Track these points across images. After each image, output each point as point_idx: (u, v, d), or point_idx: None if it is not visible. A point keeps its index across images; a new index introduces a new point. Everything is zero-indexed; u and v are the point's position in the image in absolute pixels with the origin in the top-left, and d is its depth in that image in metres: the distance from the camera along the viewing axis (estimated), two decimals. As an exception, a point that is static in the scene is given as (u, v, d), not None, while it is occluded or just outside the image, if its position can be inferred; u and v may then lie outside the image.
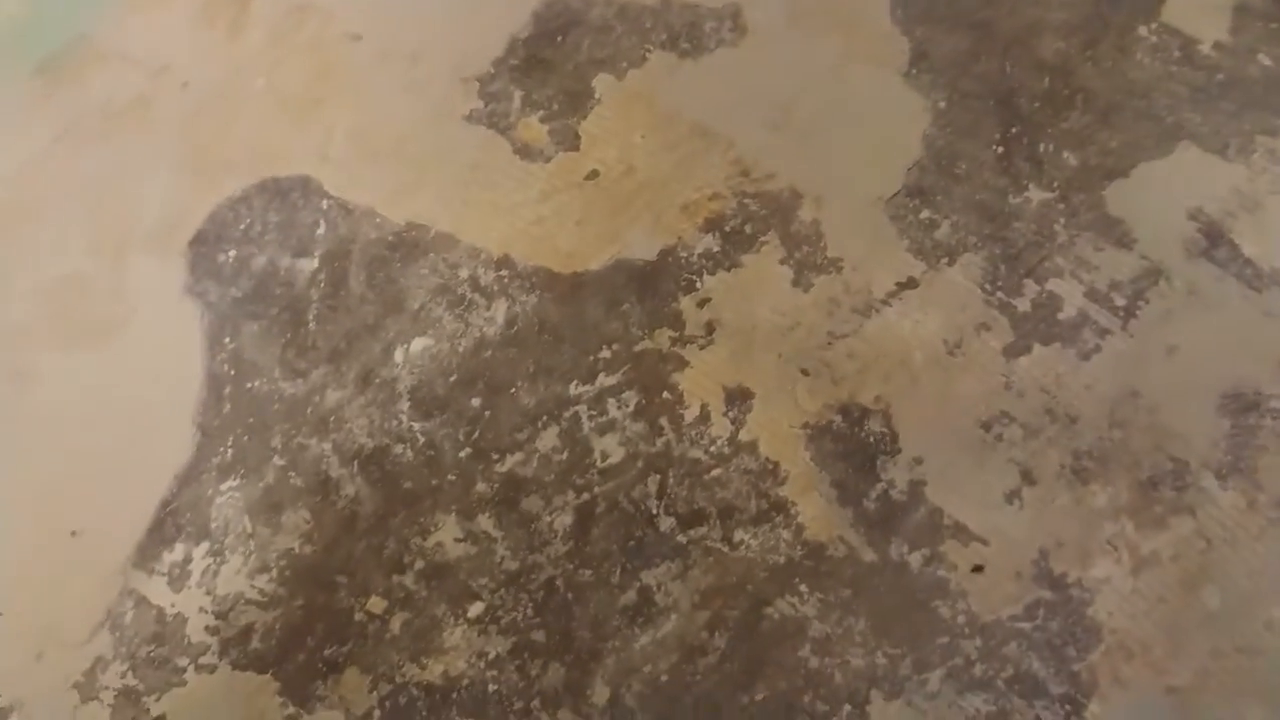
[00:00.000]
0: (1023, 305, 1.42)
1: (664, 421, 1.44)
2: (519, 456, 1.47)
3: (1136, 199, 1.45)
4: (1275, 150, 1.44)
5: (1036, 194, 1.48)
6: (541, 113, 1.69)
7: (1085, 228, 1.45)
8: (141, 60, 1.93)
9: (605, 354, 1.50)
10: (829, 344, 1.45)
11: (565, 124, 1.67)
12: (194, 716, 1.43)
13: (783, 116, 1.60)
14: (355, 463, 1.51)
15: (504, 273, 1.59)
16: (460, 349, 1.55)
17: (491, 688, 1.36)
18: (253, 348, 1.63)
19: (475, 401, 1.51)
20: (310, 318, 1.63)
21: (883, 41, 1.62)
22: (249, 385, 1.60)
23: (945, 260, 1.46)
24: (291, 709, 1.40)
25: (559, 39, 1.74)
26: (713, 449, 1.42)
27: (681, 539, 1.38)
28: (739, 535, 1.37)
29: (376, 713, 1.38)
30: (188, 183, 1.79)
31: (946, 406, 1.38)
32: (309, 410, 1.56)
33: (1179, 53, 1.53)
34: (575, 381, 1.49)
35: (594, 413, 1.47)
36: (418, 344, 1.57)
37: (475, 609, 1.40)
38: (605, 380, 1.48)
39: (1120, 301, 1.40)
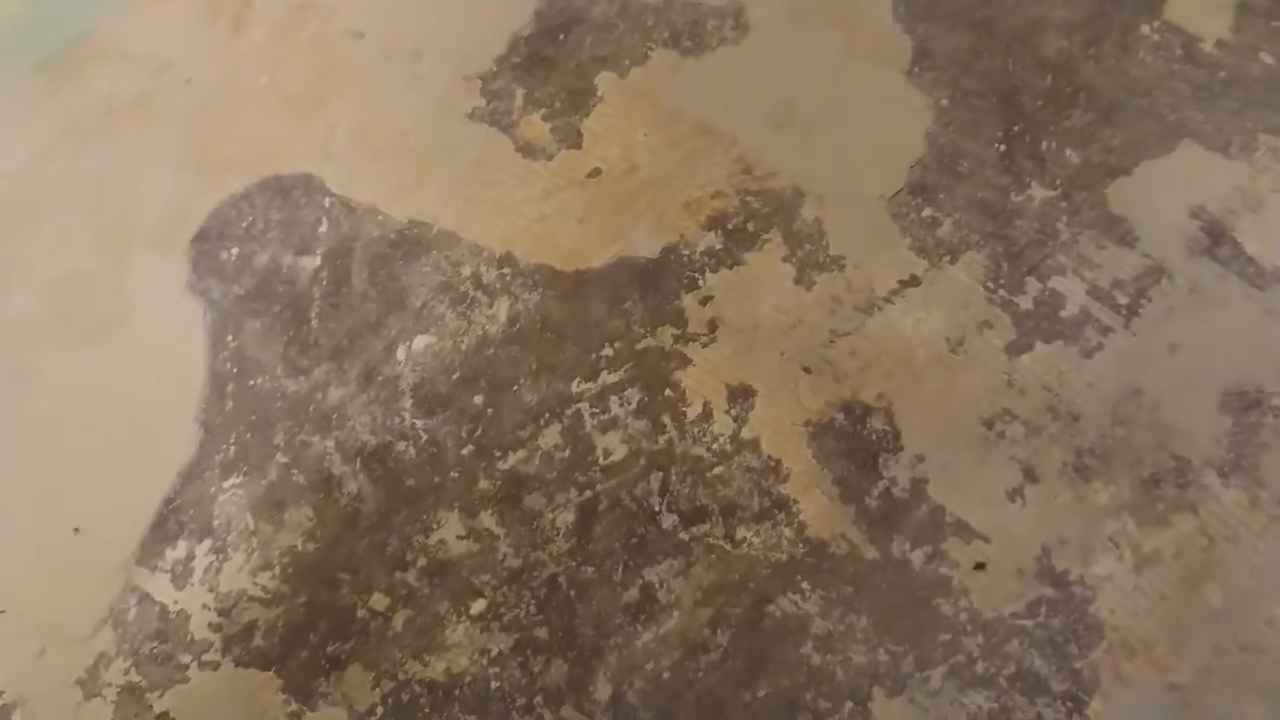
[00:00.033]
0: (1025, 303, 1.42)
1: (666, 419, 1.44)
2: (521, 454, 1.47)
3: (1139, 197, 1.45)
4: (1277, 148, 1.44)
5: (1039, 192, 1.48)
6: (544, 110, 1.69)
7: (1087, 226, 1.45)
8: (143, 58, 1.93)
9: (608, 351, 1.50)
10: (831, 342, 1.45)
11: (567, 122, 1.67)
12: (197, 713, 1.43)
13: (785, 114, 1.60)
14: (358, 460, 1.51)
15: (506, 270, 1.59)
16: (463, 346, 1.55)
17: (494, 685, 1.36)
18: (255, 345, 1.63)
19: (478, 399, 1.51)
20: (313, 315, 1.63)
21: (885, 39, 1.63)
22: (251, 383, 1.60)
23: (947, 258, 1.47)
24: (294, 706, 1.40)
25: (561, 37, 1.74)
26: (715, 446, 1.42)
27: (684, 536, 1.38)
28: (741, 532, 1.37)
29: (379, 709, 1.38)
30: (190, 180, 1.79)
31: (949, 404, 1.39)
32: (311, 408, 1.56)
33: (1181, 51, 1.53)
34: (578, 379, 1.49)
35: (596, 410, 1.47)
36: (420, 341, 1.57)
37: (478, 606, 1.40)
38: (608, 378, 1.49)
39: (1122, 299, 1.40)
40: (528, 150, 1.67)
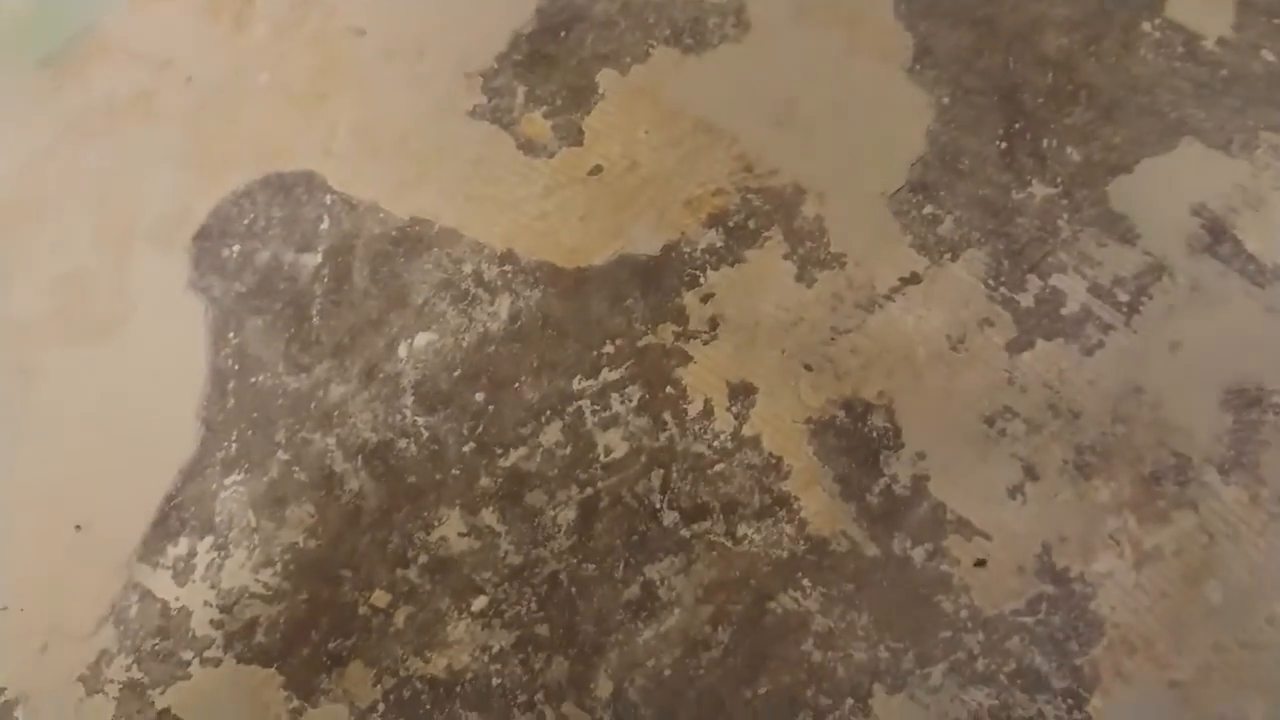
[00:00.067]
0: (1026, 301, 1.42)
1: (667, 416, 1.45)
2: (522, 451, 1.47)
3: (1140, 195, 1.45)
4: (1278, 146, 1.44)
5: (1040, 189, 1.48)
6: (545, 108, 1.69)
7: (1088, 223, 1.45)
8: (145, 55, 1.93)
9: (609, 349, 1.50)
10: (832, 339, 1.45)
11: (569, 119, 1.67)
12: (199, 710, 1.43)
13: (786, 112, 1.61)
14: (359, 457, 1.52)
15: (507, 268, 1.59)
16: (464, 344, 1.55)
17: (495, 681, 1.36)
18: (257, 342, 1.63)
19: (479, 396, 1.51)
20: (314, 313, 1.63)
21: (886, 37, 1.63)
22: (253, 380, 1.61)
23: (948, 256, 1.47)
24: (296, 702, 1.40)
25: (562, 34, 1.74)
26: (716, 444, 1.42)
27: (685, 533, 1.38)
28: (742, 530, 1.37)
29: (380, 706, 1.38)
30: (191, 178, 1.79)
31: (949, 402, 1.39)
32: (313, 405, 1.57)
33: (1182, 48, 1.53)
34: (579, 376, 1.50)
35: (597, 407, 1.47)
36: (421, 339, 1.57)
37: (479, 603, 1.40)
38: (609, 375, 1.49)
39: (1123, 297, 1.40)
40: (529, 148, 1.67)
